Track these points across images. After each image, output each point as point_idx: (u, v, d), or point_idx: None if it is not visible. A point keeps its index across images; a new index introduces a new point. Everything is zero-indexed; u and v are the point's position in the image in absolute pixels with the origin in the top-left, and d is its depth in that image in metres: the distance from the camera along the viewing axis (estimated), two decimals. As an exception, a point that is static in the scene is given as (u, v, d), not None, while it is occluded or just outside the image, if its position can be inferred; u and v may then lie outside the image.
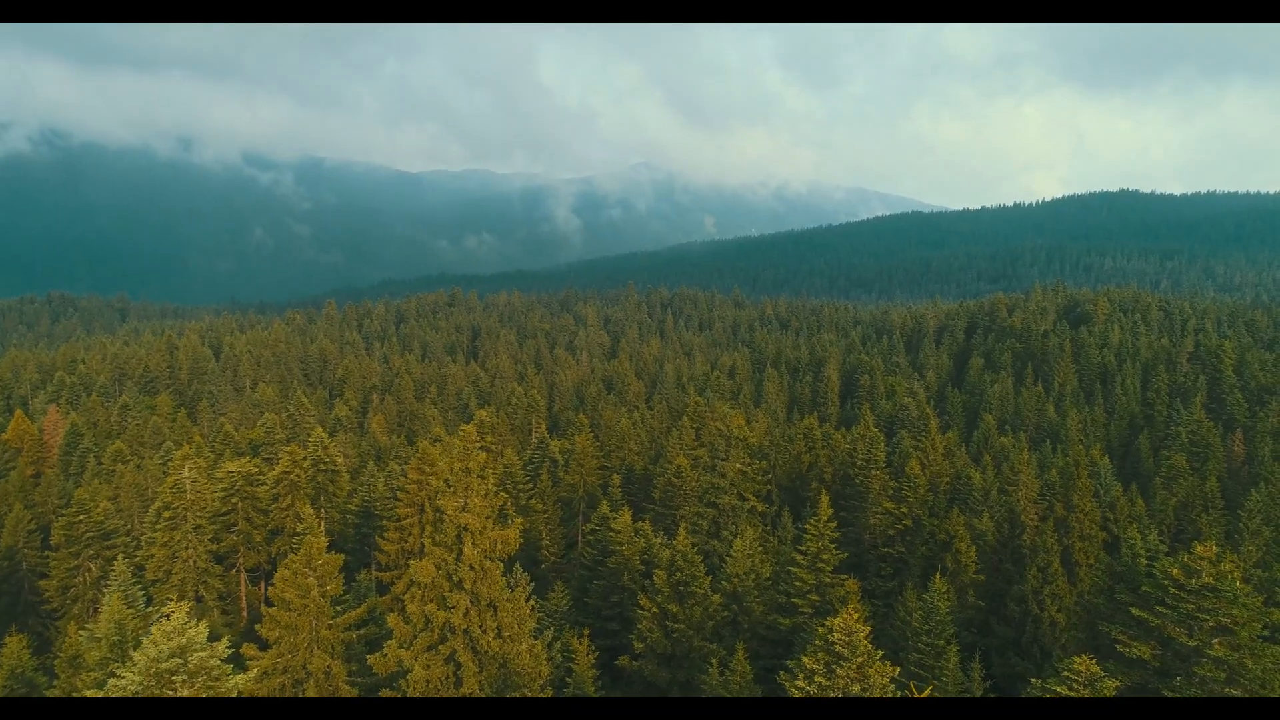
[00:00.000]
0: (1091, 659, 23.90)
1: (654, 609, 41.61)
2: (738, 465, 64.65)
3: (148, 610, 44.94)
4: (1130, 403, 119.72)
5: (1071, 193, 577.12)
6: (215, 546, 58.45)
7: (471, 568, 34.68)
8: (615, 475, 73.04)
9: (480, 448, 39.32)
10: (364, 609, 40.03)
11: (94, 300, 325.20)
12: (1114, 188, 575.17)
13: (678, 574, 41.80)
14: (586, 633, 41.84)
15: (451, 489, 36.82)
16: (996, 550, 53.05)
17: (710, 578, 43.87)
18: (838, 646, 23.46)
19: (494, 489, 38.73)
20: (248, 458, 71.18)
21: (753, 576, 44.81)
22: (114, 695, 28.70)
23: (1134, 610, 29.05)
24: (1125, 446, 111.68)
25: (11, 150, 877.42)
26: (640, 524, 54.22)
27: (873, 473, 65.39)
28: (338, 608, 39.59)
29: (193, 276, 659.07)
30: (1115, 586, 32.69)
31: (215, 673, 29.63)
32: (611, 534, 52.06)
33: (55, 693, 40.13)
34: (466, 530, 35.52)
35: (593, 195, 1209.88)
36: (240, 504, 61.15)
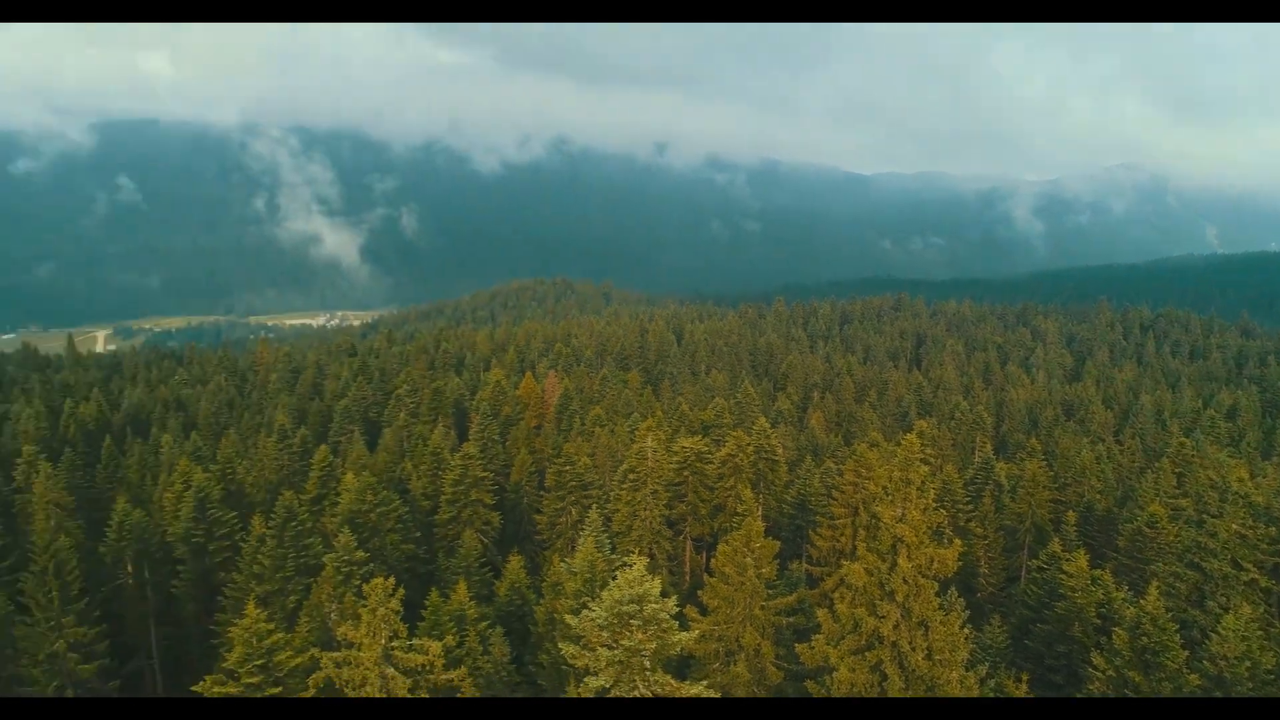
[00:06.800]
0: None
1: (1110, 673, 36.77)
2: (1235, 526, 53.80)
3: (612, 556, 51.64)
4: None
5: None
6: (668, 512, 65.10)
7: (905, 580, 33.97)
8: (1071, 512, 65.63)
9: (920, 460, 38.26)
10: (794, 598, 41.55)
11: (587, 285, 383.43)
12: None
13: (1144, 639, 36.35)
14: (1025, 678, 38.47)
15: (889, 497, 36.36)
16: None
17: (1187, 653, 37.38)
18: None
19: (933, 504, 37.44)
20: (699, 436, 77.69)
21: (1247, 664, 37.09)
22: (585, 624, 33.54)
23: None
24: None
25: (532, 157, 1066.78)
26: (1099, 572, 48.18)
27: None
28: (770, 591, 41.65)
29: (660, 267, 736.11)
30: None
31: (665, 625, 33.08)
32: (1062, 576, 47.07)
33: (540, 611, 47.91)
34: (902, 541, 34.83)
35: (1059, 198, 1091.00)
36: (690, 477, 67.30)
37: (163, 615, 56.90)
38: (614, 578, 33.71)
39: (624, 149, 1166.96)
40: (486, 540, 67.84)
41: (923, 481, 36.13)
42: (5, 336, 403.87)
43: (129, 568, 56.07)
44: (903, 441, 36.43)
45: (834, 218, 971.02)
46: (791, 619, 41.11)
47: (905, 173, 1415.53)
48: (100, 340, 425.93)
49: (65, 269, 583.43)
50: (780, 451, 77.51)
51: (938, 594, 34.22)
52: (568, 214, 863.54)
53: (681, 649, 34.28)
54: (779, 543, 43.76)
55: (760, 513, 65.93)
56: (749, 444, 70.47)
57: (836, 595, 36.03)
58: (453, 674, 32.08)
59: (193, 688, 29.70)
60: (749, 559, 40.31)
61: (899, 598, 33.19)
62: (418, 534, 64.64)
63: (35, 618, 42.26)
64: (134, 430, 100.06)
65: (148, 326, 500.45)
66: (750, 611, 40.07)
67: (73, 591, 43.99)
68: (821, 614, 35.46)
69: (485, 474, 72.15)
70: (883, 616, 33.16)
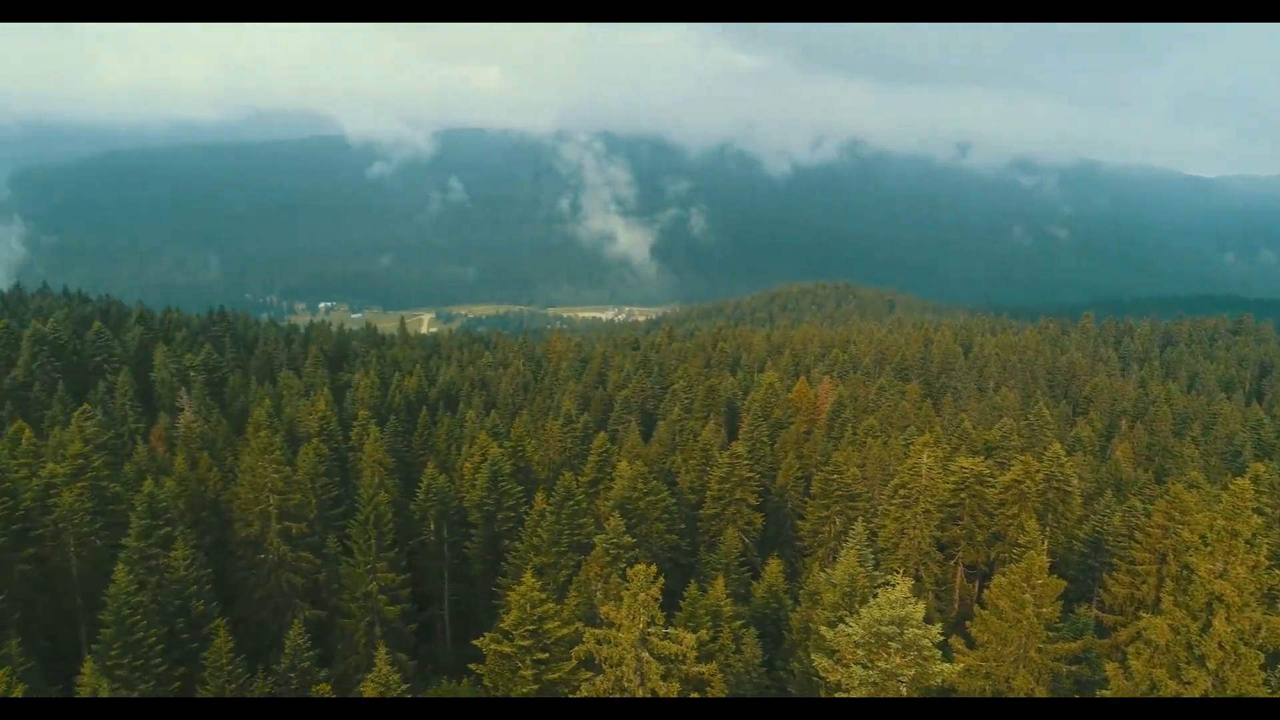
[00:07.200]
0: None
1: None
2: None
3: (875, 573, 49.82)
4: None
5: None
6: (939, 534, 61.49)
7: (1220, 646, 29.47)
8: None
9: (1255, 510, 32.91)
10: (1079, 645, 37.54)
11: (870, 290, 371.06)
12: None
13: None
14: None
15: (1209, 549, 31.78)
16: None
17: None
18: None
19: (1265, 562, 32.02)
20: (981, 458, 72.44)
21: None
22: (841, 639, 32.66)
23: None
24: None
25: (825, 159, 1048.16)
26: None
27: None
28: (1051, 634, 37.98)
29: (951, 275, 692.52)
30: None
31: (926, 652, 31.40)
32: None
33: (795, 618, 47.47)
34: (1220, 600, 30.28)
35: None
36: (968, 500, 62.94)
37: (456, 572, 63.91)
38: (875, 595, 32.60)
39: (921, 151, 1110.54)
40: (747, 540, 68.42)
41: (1254, 534, 31.35)
42: (354, 316, 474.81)
43: (431, 526, 63.55)
44: (1231, 486, 31.94)
45: (1162, 226, 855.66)
46: (1073, 668, 37.18)
47: (1260, 175, 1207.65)
48: (425, 323, 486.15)
49: (402, 259, 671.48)
50: (1075, 483, 70.16)
51: (1263, 668, 29.27)
52: (856, 217, 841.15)
53: (943, 681, 32.38)
54: (1065, 582, 39.68)
55: (1045, 547, 60.28)
56: (1038, 470, 64.59)
57: (1131, 650, 32.13)
58: (704, 668, 32.74)
59: (474, 642, 33.04)
60: (1028, 595, 37.08)
61: (1211, 664, 28.92)
62: (682, 526, 66.70)
63: (356, 560, 49.31)
64: (445, 404, 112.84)
65: (463, 312, 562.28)
66: (1025, 653, 36.84)
67: (386, 541, 50.74)
68: (1111, 668, 31.83)
69: (751, 474, 72.75)
70: (1188, 683, 29.07)
